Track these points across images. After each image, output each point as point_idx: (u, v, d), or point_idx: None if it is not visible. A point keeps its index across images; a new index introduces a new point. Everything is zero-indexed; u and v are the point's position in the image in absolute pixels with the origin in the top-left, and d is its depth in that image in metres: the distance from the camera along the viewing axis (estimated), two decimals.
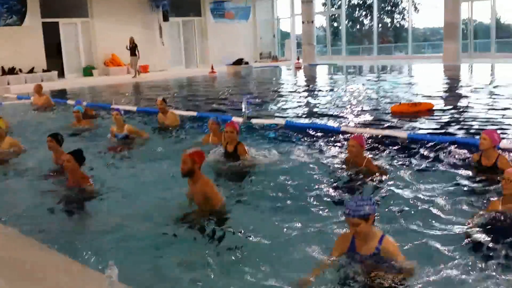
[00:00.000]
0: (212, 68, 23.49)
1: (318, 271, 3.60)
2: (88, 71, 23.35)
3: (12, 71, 20.62)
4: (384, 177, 5.78)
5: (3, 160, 7.52)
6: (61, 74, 22.49)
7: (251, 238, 4.32)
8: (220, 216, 4.80)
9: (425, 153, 6.88)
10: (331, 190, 5.51)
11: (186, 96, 15.57)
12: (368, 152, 6.71)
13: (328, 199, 5.24)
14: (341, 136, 8.13)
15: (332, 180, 5.87)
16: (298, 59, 26.92)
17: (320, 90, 16.02)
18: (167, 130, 9.31)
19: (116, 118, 8.27)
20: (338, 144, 7.71)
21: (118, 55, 23.57)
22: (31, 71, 21.08)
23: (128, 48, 21.91)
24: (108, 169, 6.79)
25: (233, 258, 3.99)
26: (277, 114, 10.95)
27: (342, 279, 3.49)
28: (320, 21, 33.70)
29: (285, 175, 6.04)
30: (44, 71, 21.50)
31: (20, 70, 20.87)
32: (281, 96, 14.84)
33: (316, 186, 5.63)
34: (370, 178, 5.76)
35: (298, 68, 24.91)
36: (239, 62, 26.53)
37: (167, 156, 7.21)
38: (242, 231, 4.48)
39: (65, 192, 5.68)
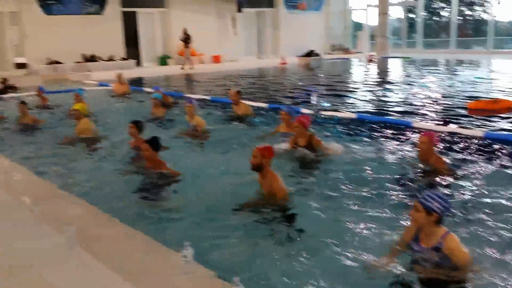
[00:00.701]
0: (283, 59, 23.49)
1: (390, 256, 3.68)
2: (163, 61, 24.11)
3: (92, 58, 21.69)
4: (452, 176, 5.63)
5: (81, 141, 8.03)
6: (138, 63, 23.36)
7: (315, 230, 4.40)
8: (284, 208, 4.89)
9: (502, 153, 6.63)
10: (397, 187, 5.45)
11: (258, 87, 15.76)
12: (441, 150, 6.56)
13: (393, 195, 5.20)
14: (412, 132, 7.98)
15: (398, 176, 5.79)
16: (371, 51, 26.39)
17: (392, 84, 15.70)
18: (240, 120, 9.56)
19: (188, 110, 8.72)
20: (409, 140, 7.58)
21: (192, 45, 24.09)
22: (110, 59, 22.09)
23: (183, 39, 22.04)
24: (184, 155, 7.06)
25: (298, 248, 4.09)
26: (347, 107, 10.88)
27: (401, 269, 3.53)
28: (396, 12, 32.85)
29: (352, 170, 6.05)
30: (122, 59, 22.45)
31: (100, 58, 21.90)
32: (352, 89, 14.69)
33: (383, 182, 5.59)
34: (438, 176, 5.63)
35: (370, 61, 24.43)
36: (310, 53, 26.40)
37: (240, 145, 7.45)
38: (306, 223, 4.58)
39: (143, 174, 6.00)
